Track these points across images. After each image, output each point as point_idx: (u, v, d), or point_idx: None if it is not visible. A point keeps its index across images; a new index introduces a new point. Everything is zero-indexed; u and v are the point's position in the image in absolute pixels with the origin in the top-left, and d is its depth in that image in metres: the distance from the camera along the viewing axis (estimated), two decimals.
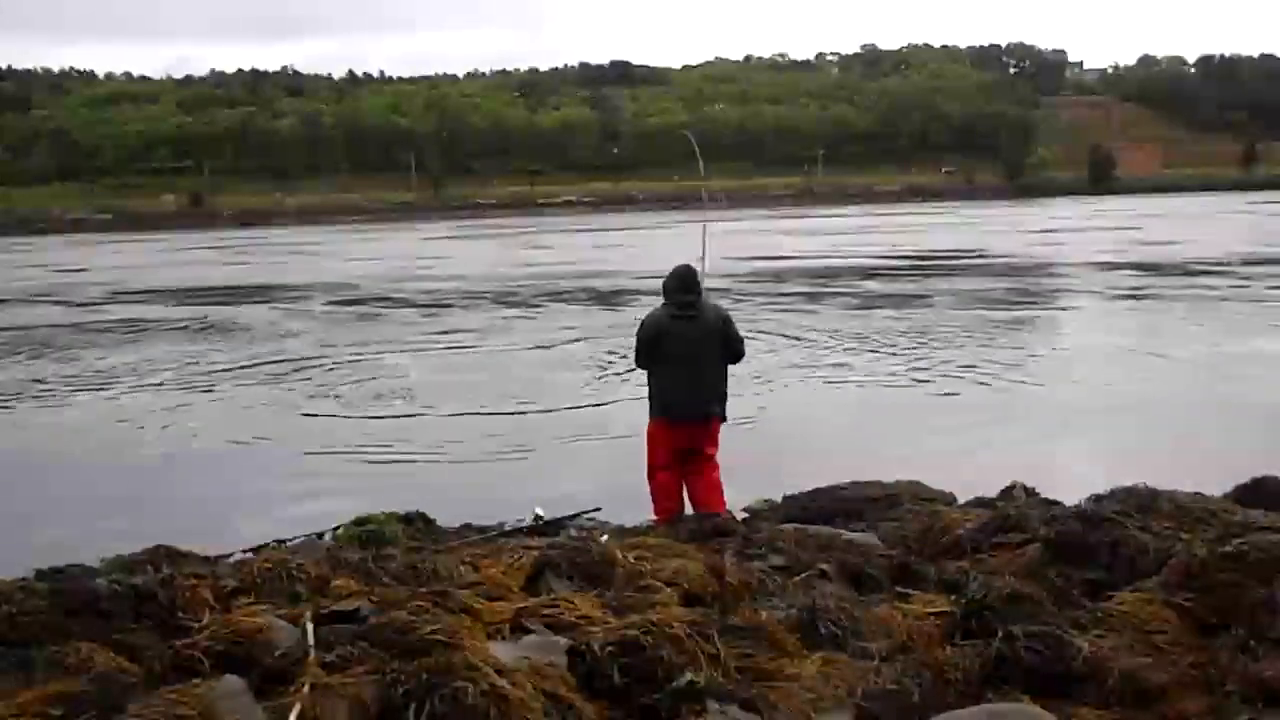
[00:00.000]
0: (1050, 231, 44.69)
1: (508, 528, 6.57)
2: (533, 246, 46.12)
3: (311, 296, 25.96)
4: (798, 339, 15.71)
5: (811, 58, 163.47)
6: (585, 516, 6.94)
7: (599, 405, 11.43)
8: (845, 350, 14.86)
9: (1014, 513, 5.16)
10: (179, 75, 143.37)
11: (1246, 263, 27.02)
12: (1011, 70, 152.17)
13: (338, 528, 6.53)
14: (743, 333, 6.97)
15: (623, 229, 58.82)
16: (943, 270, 27.98)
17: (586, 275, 29.64)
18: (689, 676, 3.15)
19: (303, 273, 34.47)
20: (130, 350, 17.07)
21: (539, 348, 16.10)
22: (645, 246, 41.20)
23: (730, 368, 6.81)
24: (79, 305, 25.49)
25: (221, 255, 46.64)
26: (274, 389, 13.10)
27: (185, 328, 20.05)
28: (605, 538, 5.66)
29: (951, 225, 52.87)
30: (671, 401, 6.58)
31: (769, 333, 15.83)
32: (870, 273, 27.92)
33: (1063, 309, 19.95)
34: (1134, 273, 25.83)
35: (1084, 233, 43.15)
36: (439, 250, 45.72)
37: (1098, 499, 5.23)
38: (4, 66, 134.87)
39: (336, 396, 12.46)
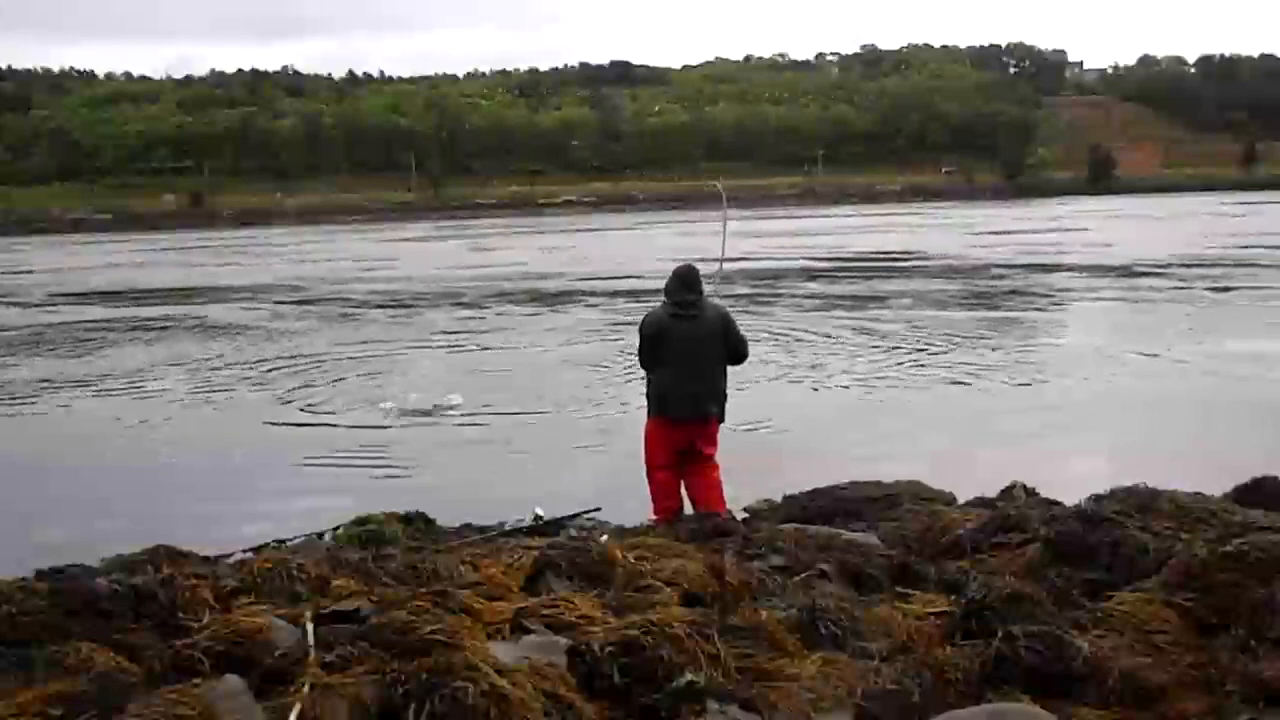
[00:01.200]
0: (1010, 233, 44.64)
1: (508, 528, 6.57)
2: (508, 247, 46.27)
3: (278, 297, 26.09)
4: (769, 339, 15.73)
5: (811, 58, 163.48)
6: (585, 516, 6.93)
7: (598, 405, 11.44)
8: (818, 351, 14.88)
9: (1014, 513, 5.16)
10: (179, 75, 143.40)
11: (1185, 264, 27.21)
12: (1011, 70, 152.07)
13: (338, 528, 6.53)
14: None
15: (597, 230, 58.98)
16: (883, 272, 28.09)
17: (537, 277, 29.87)
18: (689, 676, 3.15)
19: (265, 273, 34.69)
20: (125, 351, 17.09)
21: (533, 348, 16.13)
22: (610, 248, 41.42)
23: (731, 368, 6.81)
24: (53, 306, 25.51)
25: (181, 257, 46.69)
26: (270, 390, 13.10)
27: (179, 328, 20.10)
28: (605, 538, 5.66)
29: (913, 226, 52.77)
30: (670, 401, 6.58)
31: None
32: (814, 274, 27.96)
33: (1039, 310, 19.88)
34: (1073, 274, 26.02)
35: (1046, 234, 43.16)
36: (408, 251, 45.83)
37: (1098, 499, 5.22)
38: (4, 66, 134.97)
39: (333, 396, 12.47)
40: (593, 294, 24.31)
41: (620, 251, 39.40)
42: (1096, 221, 51.34)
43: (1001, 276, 25.97)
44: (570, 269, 32.11)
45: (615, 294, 23.71)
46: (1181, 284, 22.56)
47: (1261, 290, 21.05)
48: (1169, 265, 26.96)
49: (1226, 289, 21.46)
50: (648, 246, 40.35)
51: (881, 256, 33.67)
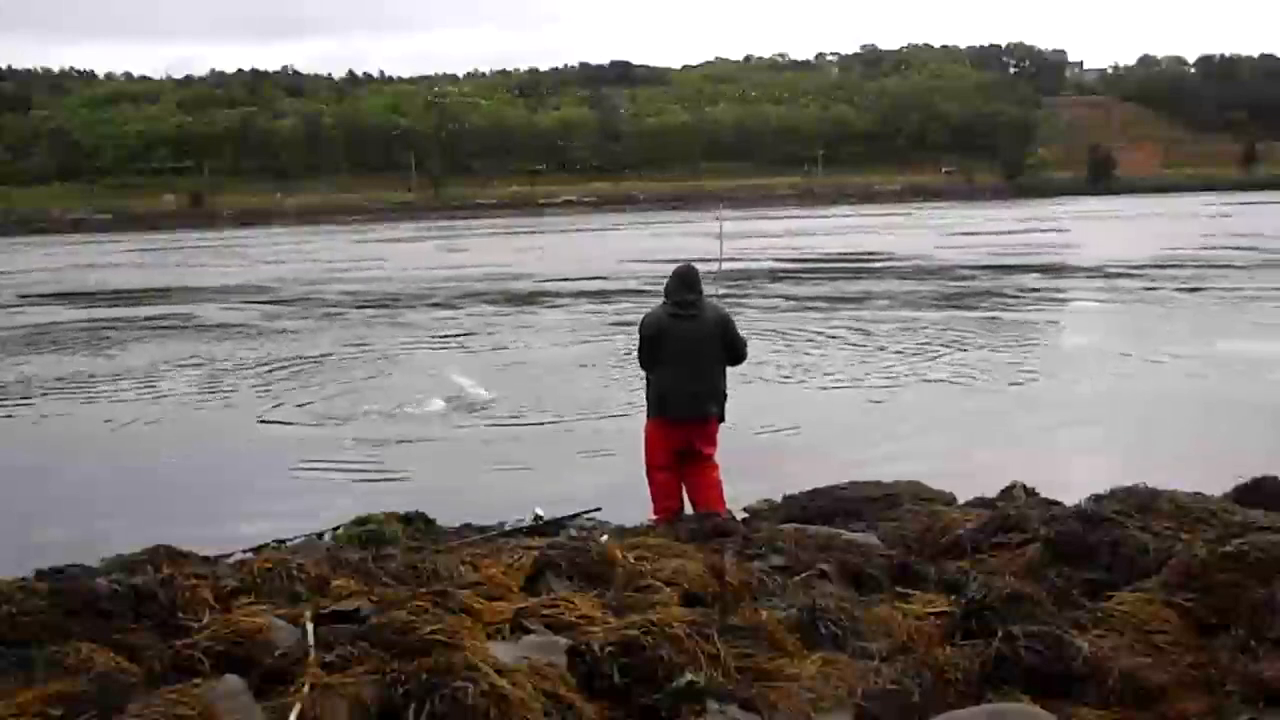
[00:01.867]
0: (1002, 233, 44.59)
1: (508, 528, 6.56)
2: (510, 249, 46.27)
3: (267, 297, 26.24)
4: (759, 339, 15.70)
5: (811, 58, 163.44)
6: (585, 516, 6.93)
7: (596, 405, 11.44)
8: (808, 351, 14.89)
9: (1014, 513, 5.16)
10: (179, 75, 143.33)
11: (1163, 265, 27.28)
12: (1011, 70, 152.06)
13: (338, 528, 6.53)
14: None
15: (566, 232, 59.05)
16: (849, 273, 28.11)
17: (505, 278, 29.96)
18: (689, 676, 3.14)
19: (252, 273, 34.85)
20: (126, 351, 17.10)
21: (518, 346, 16.14)
22: (579, 249, 41.59)
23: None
24: (48, 306, 25.56)
25: (159, 258, 46.80)
26: (268, 390, 13.10)
27: (175, 328, 20.12)
28: (605, 538, 5.66)
29: (903, 227, 52.59)
30: (669, 401, 6.57)
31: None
32: (778, 275, 27.86)
33: (1027, 311, 19.81)
34: (1058, 277, 26.08)
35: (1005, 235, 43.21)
36: (400, 251, 45.92)
37: (1098, 499, 5.22)
38: (4, 66, 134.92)
39: (331, 397, 12.46)
40: (568, 294, 24.41)
41: (588, 252, 39.59)
42: (1089, 223, 51.39)
43: (976, 278, 26.00)
44: (545, 269, 32.26)
45: (592, 294, 23.83)
46: (1161, 285, 22.65)
47: (1233, 291, 21.09)
48: (1146, 266, 27.08)
49: (1197, 289, 21.54)
50: (628, 247, 40.48)
51: (870, 256, 33.73)
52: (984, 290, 22.85)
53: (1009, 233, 44.85)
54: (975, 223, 53.93)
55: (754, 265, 30.59)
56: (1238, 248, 32.36)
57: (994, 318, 18.31)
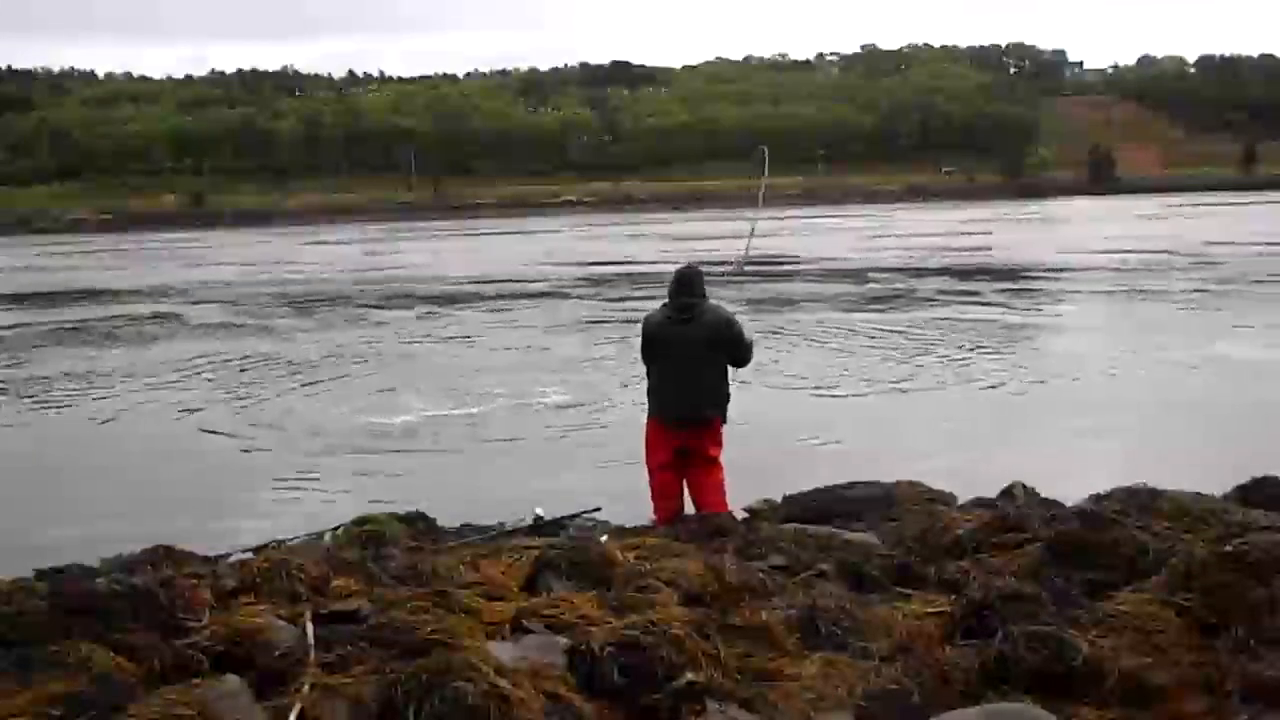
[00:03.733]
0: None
1: (508, 528, 6.56)
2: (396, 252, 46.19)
3: (263, 294, 26.30)
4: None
5: (811, 58, 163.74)
6: (585, 516, 6.91)
7: (596, 405, 11.44)
8: (803, 352, 14.90)
9: (1014, 513, 5.16)
10: (179, 75, 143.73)
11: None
12: (1011, 70, 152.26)
13: (338, 528, 6.52)
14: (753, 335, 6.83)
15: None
16: (763, 275, 28.02)
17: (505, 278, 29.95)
18: (689, 676, 3.15)
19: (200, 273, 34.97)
20: (125, 351, 17.09)
21: (529, 348, 16.13)
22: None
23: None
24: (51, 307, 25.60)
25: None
26: (264, 390, 13.10)
27: (168, 327, 20.12)
28: (605, 538, 5.65)
29: (812, 231, 52.25)
30: (665, 403, 6.53)
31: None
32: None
33: (1017, 312, 19.85)
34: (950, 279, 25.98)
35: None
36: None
37: (1098, 499, 5.23)
38: (4, 66, 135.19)
39: (332, 397, 12.46)
40: (564, 294, 24.46)
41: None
42: (1086, 222, 51.41)
43: (957, 279, 26.01)
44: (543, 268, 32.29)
45: (587, 293, 23.89)
46: (1149, 285, 22.68)
47: (1227, 291, 21.11)
48: (1132, 269, 27.11)
49: (1193, 290, 21.52)
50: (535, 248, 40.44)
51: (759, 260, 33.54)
52: (964, 291, 22.87)
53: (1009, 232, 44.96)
54: (976, 223, 54.05)
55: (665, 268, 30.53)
56: (1172, 251, 32.35)
57: (992, 319, 18.30)
